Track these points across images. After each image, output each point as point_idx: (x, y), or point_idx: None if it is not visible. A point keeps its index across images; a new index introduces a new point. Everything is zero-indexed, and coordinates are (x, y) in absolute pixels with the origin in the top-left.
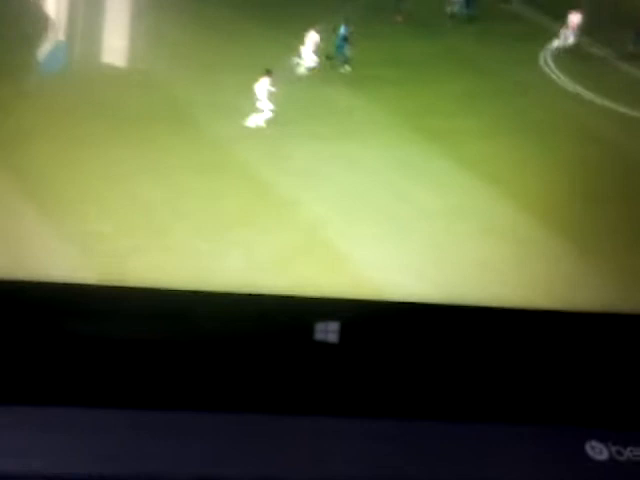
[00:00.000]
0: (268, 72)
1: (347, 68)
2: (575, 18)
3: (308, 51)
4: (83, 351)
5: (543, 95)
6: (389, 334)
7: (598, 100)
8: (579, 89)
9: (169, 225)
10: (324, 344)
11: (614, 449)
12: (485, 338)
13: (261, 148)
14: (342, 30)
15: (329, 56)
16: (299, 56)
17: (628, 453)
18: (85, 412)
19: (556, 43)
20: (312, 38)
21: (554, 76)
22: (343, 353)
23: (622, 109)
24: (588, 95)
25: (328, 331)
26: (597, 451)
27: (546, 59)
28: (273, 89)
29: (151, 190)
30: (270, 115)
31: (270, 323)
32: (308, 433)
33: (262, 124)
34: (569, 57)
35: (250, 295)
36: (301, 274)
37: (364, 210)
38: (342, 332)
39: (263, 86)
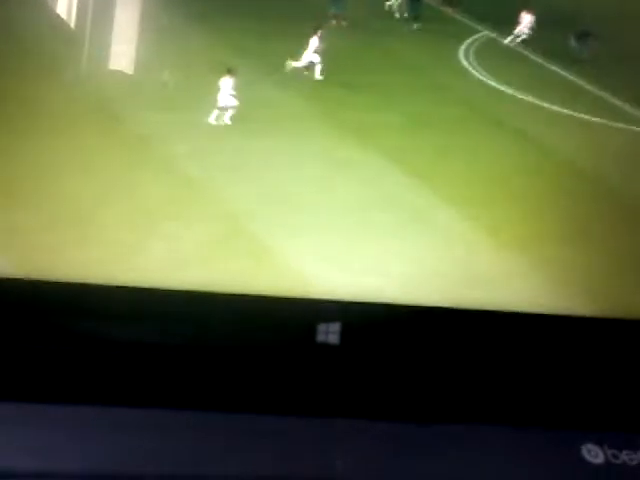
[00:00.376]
0: (230, 71)
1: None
2: (526, 18)
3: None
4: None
5: (463, 90)
6: (390, 336)
7: (518, 95)
8: (498, 84)
9: (93, 218)
10: (325, 345)
11: (610, 452)
12: (483, 341)
13: (190, 142)
14: None
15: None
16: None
17: (624, 457)
18: (78, 410)
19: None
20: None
21: (475, 72)
22: (344, 354)
23: (544, 104)
24: (508, 90)
25: (329, 332)
26: (593, 454)
27: (467, 56)
28: (233, 91)
29: (76, 183)
30: (233, 112)
31: (271, 324)
32: (308, 434)
33: (228, 122)
34: (490, 54)
35: (245, 295)
36: (224, 267)
37: (288, 203)
38: (343, 334)
39: (227, 85)
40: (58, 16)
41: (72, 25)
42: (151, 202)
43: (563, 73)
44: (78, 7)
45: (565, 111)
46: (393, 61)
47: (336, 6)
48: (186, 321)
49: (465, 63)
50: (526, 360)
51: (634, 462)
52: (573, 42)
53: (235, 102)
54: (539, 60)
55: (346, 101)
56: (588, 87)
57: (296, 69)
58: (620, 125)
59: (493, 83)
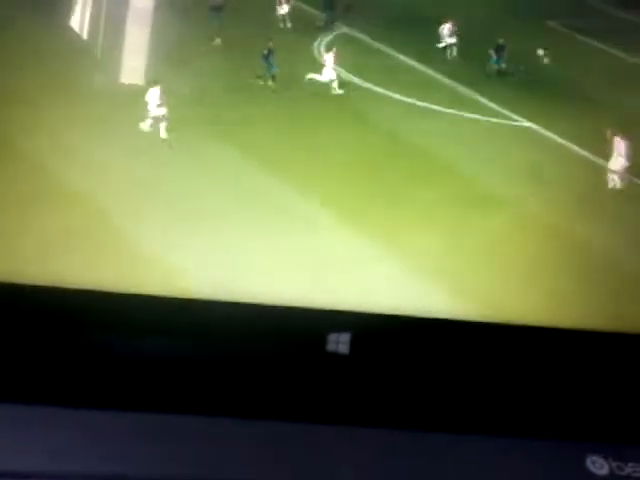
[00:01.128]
0: (155, 82)
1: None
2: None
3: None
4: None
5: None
6: (399, 347)
7: (372, 86)
8: (355, 79)
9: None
10: (335, 355)
11: (615, 464)
12: (490, 353)
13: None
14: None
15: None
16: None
17: (629, 469)
18: (82, 413)
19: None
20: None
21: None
22: (354, 364)
23: (396, 95)
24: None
25: (339, 342)
26: (598, 466)
27: (320, 50)
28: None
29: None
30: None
31: (281, 333)
32: (315, 441)
33: (164, 135)
34: (346, 50)
35: (256, 305)
36: (68, 264)
37: (151, 201)
38: (353, 344)
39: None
40: (71, 29)
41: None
42: None
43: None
44: (90, 21)
45: (419, 102)
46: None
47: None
48: (198, 328)
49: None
50: (533, 371)
51: (639, 474)
52: (493, 55)
53: (164, 111)
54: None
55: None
56: (440, 78)
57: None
58: (475, 116)
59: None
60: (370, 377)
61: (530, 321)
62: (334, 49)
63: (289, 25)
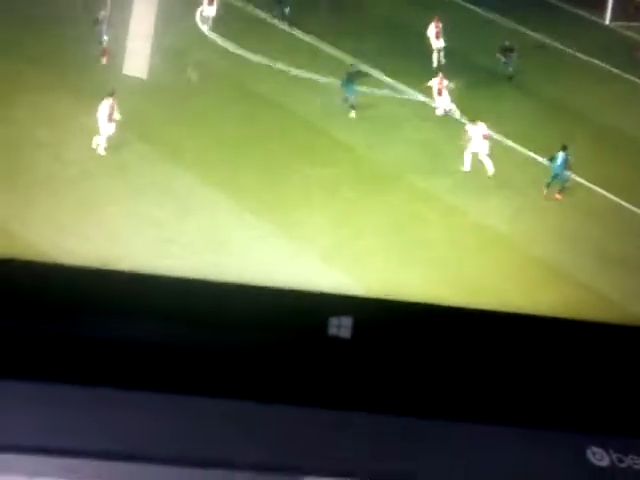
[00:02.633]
0: (111, 94)
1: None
2: None
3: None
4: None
5: (203, 54)
6: (400, 332)
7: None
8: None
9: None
10: (336, 339)
11: (615, 456)
12: (492, 341)
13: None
14: None
15: None
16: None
17: (629, 460)
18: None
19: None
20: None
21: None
22: (355, 348)
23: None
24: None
25: (341, 326)
26: (598, 457)
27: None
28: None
29: None
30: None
31: (284, 316)
32: (316, 425)
33: (103, 145)
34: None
35: (255, 287)
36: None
37: None
38: (355, 328)
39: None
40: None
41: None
42: None
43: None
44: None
45: (300, 72)
46: None
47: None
48: (199, 311)
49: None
50: (536, 362)
51: (638, 466)
52: (500, 56)
53: (112, 129)
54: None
55: None
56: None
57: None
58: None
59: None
60: (371, 362)
61: (508, 307)
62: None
63: None
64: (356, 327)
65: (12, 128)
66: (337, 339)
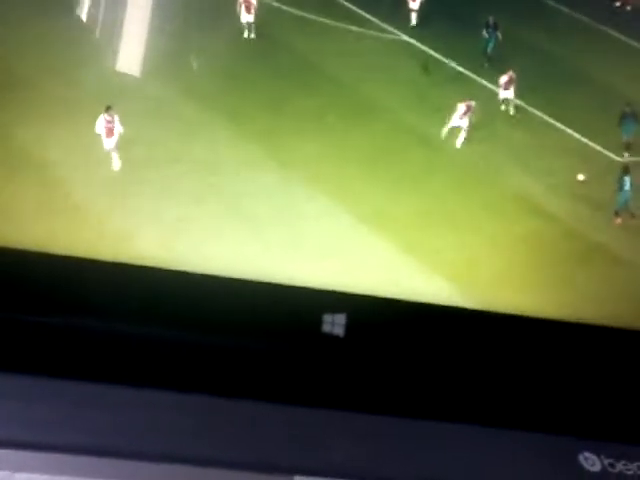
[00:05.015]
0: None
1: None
2: None
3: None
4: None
5: None
6: (394, 331)
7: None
8: None
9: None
10: (330, 336)
11: (607, 462)
12: (486, 343)
13: None
14: None
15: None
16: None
17: (620, 466)
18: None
19: None
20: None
21: None
22: (348, 346)
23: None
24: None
25: (335, 324)
26: (590, 462)
27: None
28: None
29: None
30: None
31: (278, 311)
32: (307, 423)
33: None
34: None
35: (252, 282)
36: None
37: None
38: (348, 325)
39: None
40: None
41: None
42: None
43: None
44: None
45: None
46: None
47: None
48: (190, 305)
49: None
50: (531, 365)
51: (630, 472)
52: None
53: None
54: None
55: None
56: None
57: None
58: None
59: None
60: (365, 360)
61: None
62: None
63: None
64: (350, 324)
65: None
66: (331, 336)
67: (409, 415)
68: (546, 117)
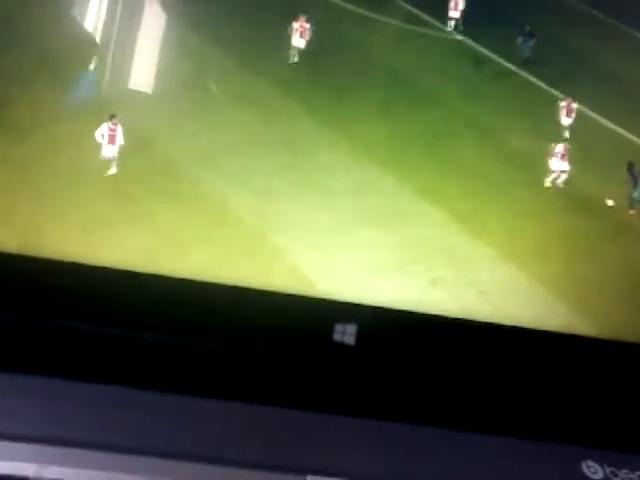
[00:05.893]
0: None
1: None
2: None
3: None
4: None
5: None
6: (403, 341)
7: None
8: None
9: None
10: (341, 345)
11: (609, 470)
12: (493, 353)
13: None
14: None
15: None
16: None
17: (623, 475)
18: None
19: None
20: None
21: None
22: (359, 355)
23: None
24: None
25: (345, 333)
26: (593, 470)
27: None
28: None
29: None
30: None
31: (291, 321)
32: (315, 428)
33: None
34: None
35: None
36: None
37: None
38: (359, 335)
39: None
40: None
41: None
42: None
43: None
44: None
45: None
46: None
47: None
48: (203, 313)
49: None
50: (534, 374)
51: None
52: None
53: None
54: None
55: None
56: None
57: None
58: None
59: None
60: (374, 369)
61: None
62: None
63: None
64: (360, 334)
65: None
66: (342, 345)
67: (415, 422)
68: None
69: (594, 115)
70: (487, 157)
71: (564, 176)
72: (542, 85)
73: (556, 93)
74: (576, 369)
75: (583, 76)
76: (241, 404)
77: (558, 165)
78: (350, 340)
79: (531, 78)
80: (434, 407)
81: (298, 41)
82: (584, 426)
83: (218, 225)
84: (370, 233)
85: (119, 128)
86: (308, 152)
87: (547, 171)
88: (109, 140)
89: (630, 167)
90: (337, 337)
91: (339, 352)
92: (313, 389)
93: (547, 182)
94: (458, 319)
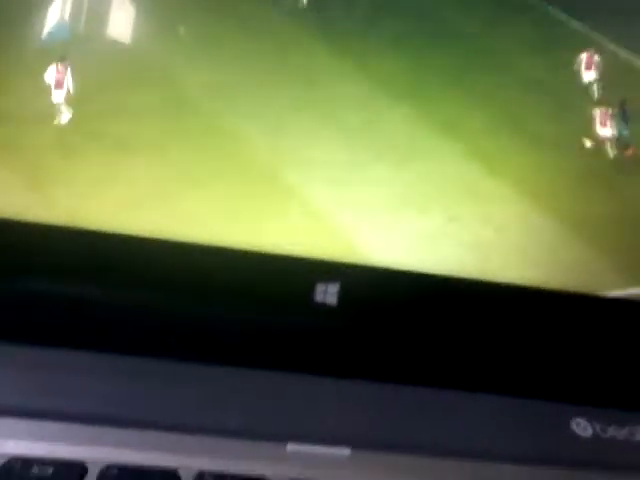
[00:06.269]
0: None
1: None
2: None
3: None
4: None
5: None
6: (385, 300)
7: None
8: None
9: None
10: (323, 305)
11: (598, 427)
12: (479, 311)
13: None
14: None
15: None
16: None
17: (611, 431)
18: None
19: None
20: None
21: None
22: (341, 315)
23: None
24: None
25: (327, 293)
26: (582, 428)
27: None
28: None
29: None
30: None
31: (273, 280)
32: (299, 389)
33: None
34: None
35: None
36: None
37: None
38: (341, 295)
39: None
40: None
41: None
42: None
43: None
44: None
45: None
46: None
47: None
48: (184, 273)
49: None
50: (522, 332)
51: (621, 437)
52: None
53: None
54: None
55: None
56: None
57: None
58: None
59: None
60: (357, 329)
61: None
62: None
63: None
64: (343, 294)
65: None
66: (324, 305)
67: (400, 381)
68: None
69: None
70: (510, 91)
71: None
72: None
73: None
74: (566, 325)
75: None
76: (219, 368)
77: (601, 131)
78: (332, 300)
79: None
80: (419, 367)
81: None
82: (572, 384)
83: (230, 161)
84: (386, 168)
85: (68, 70)
86: (323, 85)
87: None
88: (56, 85)
89: (622, 104)
90: (319, 297)
91: (321, 313)
92: (296, 350)
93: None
94: (445, 276)
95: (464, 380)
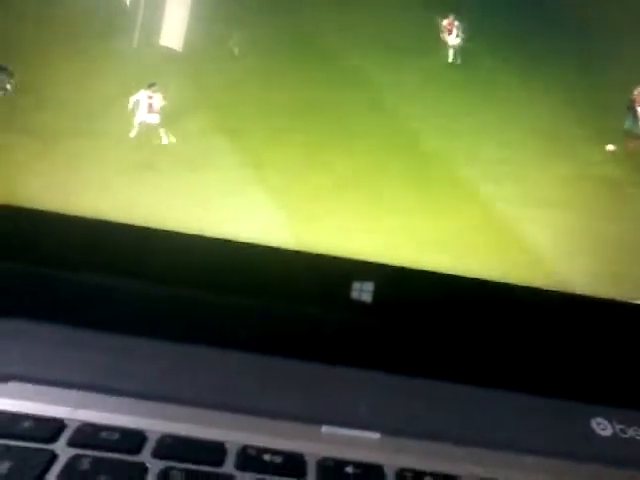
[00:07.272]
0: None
1: None
2: None
3: None
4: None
5: None
6: (417, 298)
7: None
8: None
9: None
10: (358, 302)
11: (618, 427)
12: (508, 313)
13: None
14: None
15: None
16: None
17: (632, 432)
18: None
19: None
20: None
21: None
22: (375, 312)
23: None
24: None
25: (363, 290)
26: (602, 427)
27: None
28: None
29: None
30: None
31: (310, 278)
32: (334, 380)
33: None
34: None
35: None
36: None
37: None
38: (375, 293)
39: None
40: None
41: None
42: None
43: None
44: None
45: None
46: None
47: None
48: (227, 270)
49: None
50: (545, 332)
51: (639, 438)
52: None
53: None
54: None
55: None
56: None
57: None
58: None
59: None
60: (390, 325)
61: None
62: None
63: None
64: (377, 292)
65: None
66: (359, 302)
67: (429, 376)
68: None
69: None
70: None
71: None
72: None
73: None
74: (590, 328)
75: None
76: (265, 358)
77: None
78: (367, 297)
79: None
80: (447, 363)
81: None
82: (594, 383)
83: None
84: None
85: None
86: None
87: None
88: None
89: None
90: (354, 295)
91: (357, 309)
92: (332, 344)
93: None
94: (473, 278)
95: (491, 377)
